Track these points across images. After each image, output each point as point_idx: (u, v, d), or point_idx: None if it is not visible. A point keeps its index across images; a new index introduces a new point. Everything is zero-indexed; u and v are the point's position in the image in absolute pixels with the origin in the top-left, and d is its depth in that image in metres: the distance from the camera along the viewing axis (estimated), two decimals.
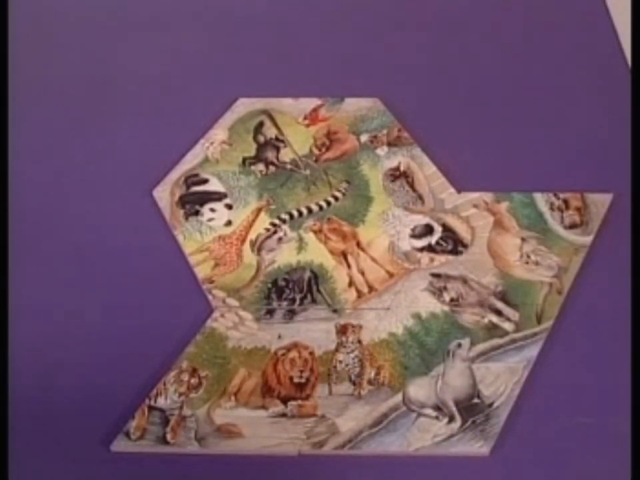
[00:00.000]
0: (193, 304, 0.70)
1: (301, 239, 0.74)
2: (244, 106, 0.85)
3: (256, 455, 0.61)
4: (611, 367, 0.66)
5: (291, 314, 0.69)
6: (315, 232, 0.75)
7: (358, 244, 0.74)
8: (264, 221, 0.75)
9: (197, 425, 0.62)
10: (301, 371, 0.65)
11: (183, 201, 0.77)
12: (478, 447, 0.61)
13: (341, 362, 0.66)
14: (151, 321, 0.69)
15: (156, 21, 0.96)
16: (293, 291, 0.70)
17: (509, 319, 0.68)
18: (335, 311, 0.69)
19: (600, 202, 0.76)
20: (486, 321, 0.68)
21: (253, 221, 0.75)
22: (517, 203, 0.76)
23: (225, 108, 0.85)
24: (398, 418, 0.62)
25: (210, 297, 0.70)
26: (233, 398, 0.64)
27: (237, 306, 0.70)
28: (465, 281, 0.70)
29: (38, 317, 0.70)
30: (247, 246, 0.74)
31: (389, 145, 0.81)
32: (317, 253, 0.73)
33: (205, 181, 0.79)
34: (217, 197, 0.77)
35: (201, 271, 0.72)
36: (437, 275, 0.71)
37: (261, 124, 0.84)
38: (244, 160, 0.81)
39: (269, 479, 0.62)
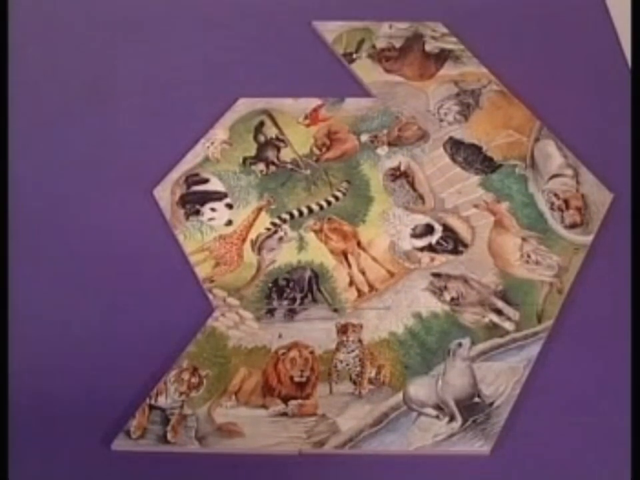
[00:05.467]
0: (194, 303, 0.70)
1: (301, 239, 0.74)
2: (244, 106, 0.85)
3: (256, 454, 0.61)
4: (611, 367, 0.66)
5: (291, 313, 0.69)
6: (315, 231, 0.75)
7: (358, 243, 0.74)
8: (264, 221, 0.75)
9: (197, 424, 0.62)
10: (302, 370, 0.65)
11: (184, 201, 0.77)
12: (478, 446, 0.61)
13: (341, 361, 0.66)
14: (151, 320, 0.69)
15: (156, 20, 0.96)
16: (294, 290, 0.70)
17: (509, 319, 0.68)
18: (335, 310, 0.69)
19: (600, 202, 0.76)
20: (486, 320, 0.68)
21: (254, 220, 0.75)
22: (518, 202, 0.76)
23: (225, 108, 0.85)
24: (398, 417, 0.63)
25: (210, 297, 0.70)
26: (233, 397, 0.64)
27: (237, 305, 0.70)
28: (465, 280, 0.70)
29: (38, 316, 0.70)
30: (247, 245, 0.74)
31: (389, 144, 0.81)
32: (318, 253, 0.73)
33: (206, 181, 0.79)
34: (218, 196, 0.77)
35: (202, 271, 0.72)
36: (437, 275, 0.71)
37: (261, 124, 0.84)
38: (244, 159, 0.81)
39: (270, 478, 0.62)
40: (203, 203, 0.77)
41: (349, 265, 0.72)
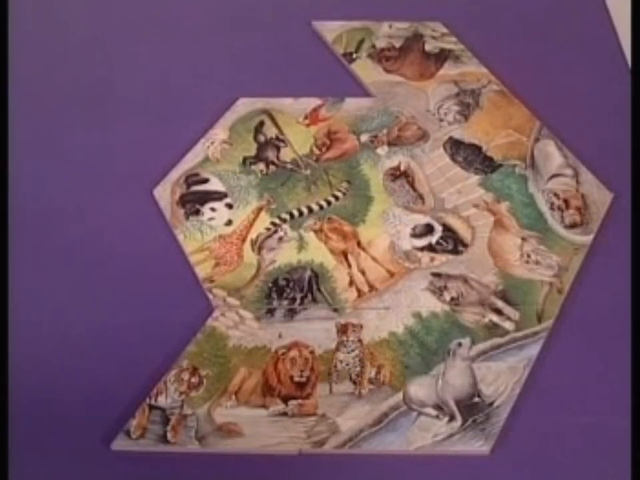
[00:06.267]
0: (194, 303, 0.70)
1: (301, 239, 0.74)
2: (244, 105, 0.85)
3: (256, 454, 0.62)
4: (611, 367, 0.66)
5: (291, 313, 0.69)
6: (315, 231, 0.75)
7: (358, 243, 0.74)
8: (264, 221, 0.75)
9: (197, 424, 0.62)
10: (302, 370, 0.65)
11: (184, 201, 0.77)
12: (478, 446, 0.61)
13: (341, 361, 0.66)
14: (151, 320, 0.69)
15: (156, 20, 0.96)
16: (294, 290, 0.70)
17: (509, 318, 0.68)
18: (335, 310, 0.69)
19: (600, 202, 0.76)
20: (486, 320, 0.68)
21: (254, 220, 0.75)
22: (518, 202, 0.76)
23: (225, 107, 0.85)
24: (398, 417, 0.63)
25: (210, 296, 0.70)
26: (233, 397, 0.64)
27: (237, 305, 0.70)
28: (465, 280, 0.71)
29: (38, 316, 0.70)
30: (247, 245, 0.74)
31: (389, 144, 0.81)
32: (318, 252, 0.73)
33: (206, 181, 0.79)
34: (218, 196, 0.77)
35: (202, 270, 0.72)
36: (437, 275, 0.71)
37: (261, 123, 0.84)
38: (244, 159, 0.81)
39: (270, 478, 0.62)
40: (203, 203, 0.77)
41: (349, 265, 0.72)
